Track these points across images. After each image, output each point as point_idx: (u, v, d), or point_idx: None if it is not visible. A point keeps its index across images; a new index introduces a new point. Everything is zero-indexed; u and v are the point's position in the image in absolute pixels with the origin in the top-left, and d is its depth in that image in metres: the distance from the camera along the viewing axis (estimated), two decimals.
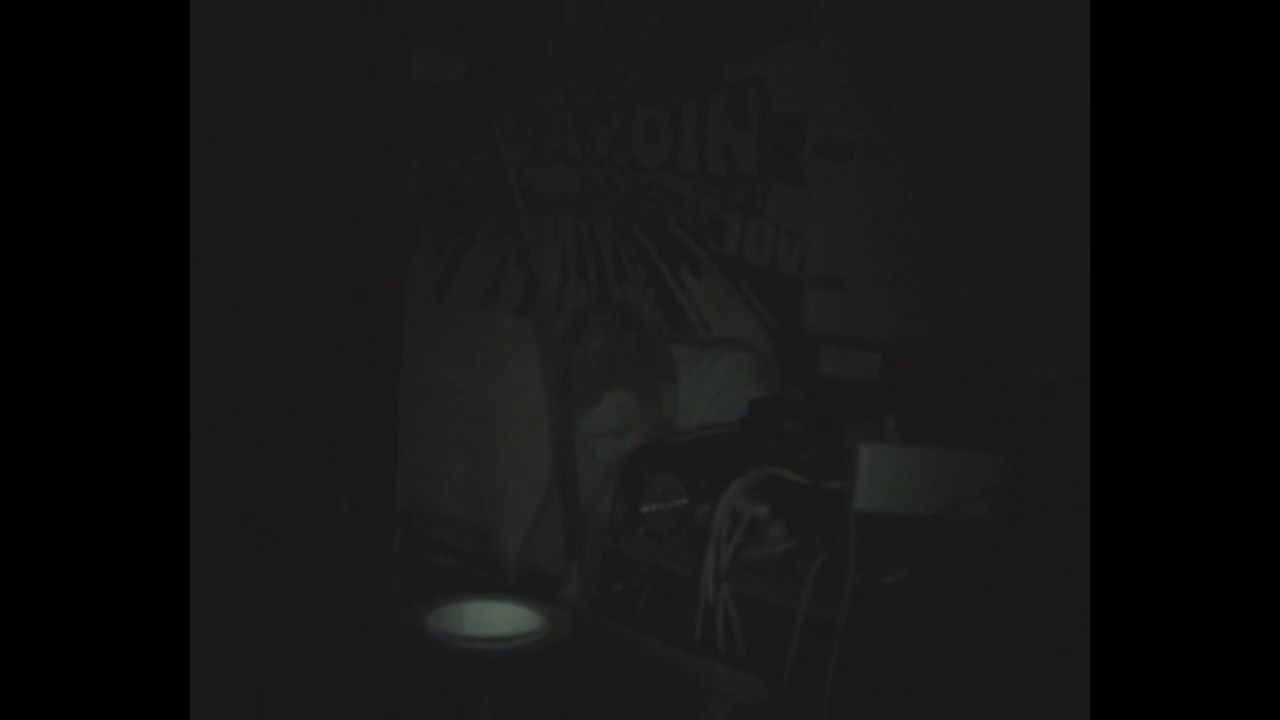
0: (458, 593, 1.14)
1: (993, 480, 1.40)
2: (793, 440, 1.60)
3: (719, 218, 2.21)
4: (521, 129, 2.45)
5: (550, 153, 2.43)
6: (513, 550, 1.79)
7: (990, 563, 1.38)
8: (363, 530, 1.06)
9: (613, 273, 2.35)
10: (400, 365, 1.08)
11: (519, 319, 2.49)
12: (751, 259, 2.18)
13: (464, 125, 2.53)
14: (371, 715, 1.06)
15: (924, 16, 1.89)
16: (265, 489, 1.00)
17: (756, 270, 2.17)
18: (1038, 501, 1.38)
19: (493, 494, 1.96)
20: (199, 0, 0.96)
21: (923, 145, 1.92)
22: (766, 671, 1.32)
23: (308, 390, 1.03)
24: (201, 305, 0.97)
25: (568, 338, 1.91)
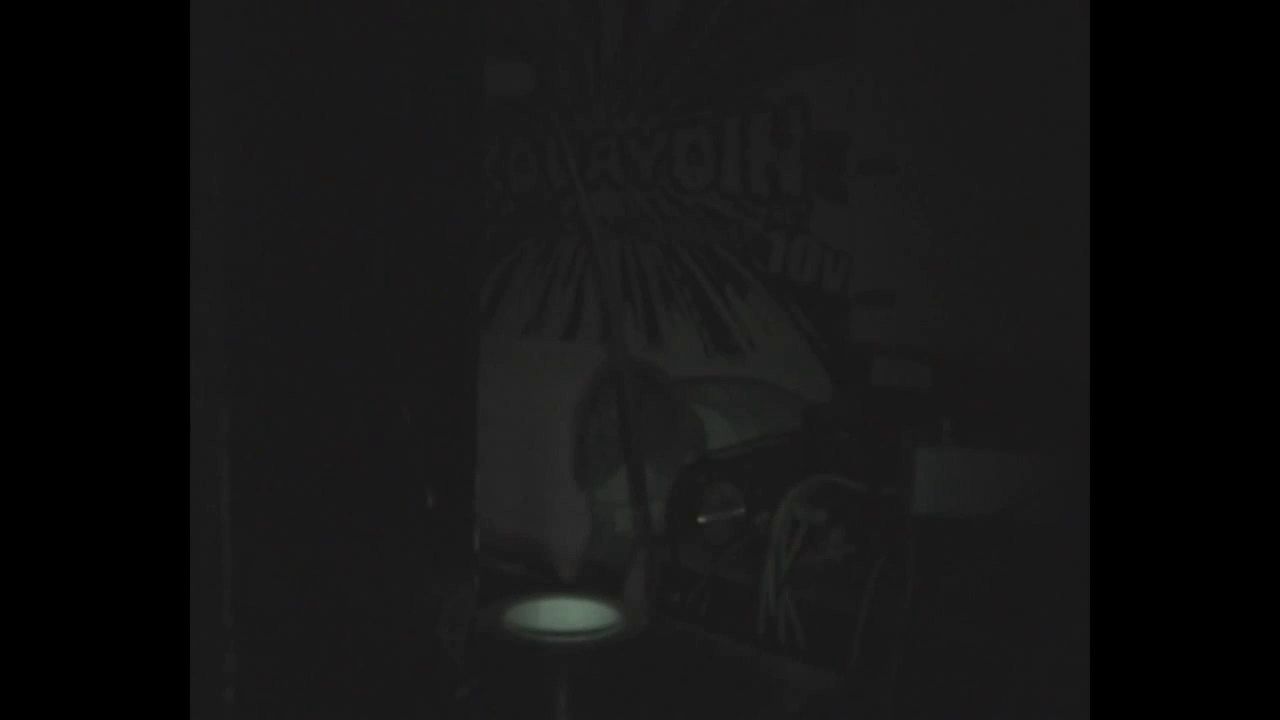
0: (531, 592, 1.16)
1: (1049, 483, 1.42)
2: (848, 447, 1.62)
3: (763, 237, 2.23)
4: (564, 154, 2.49)
5: (594, 177, 2.46)
6: (566, 557, 1.80)
7: (1046, 564, 1.39)
8: (445, 527, 1.08)
9: (659, 295, 2.38)
10: (478, 366, 1.11)
11: (564, 343, 2.52)
12: (797, 277, 2.20)
13: (509, 150, 2.57)
14: (452, 709, 1.08)
15: (965, 31, 1.92)
16: (355, 484, 1.03)
17: (802, 288, 2.19)
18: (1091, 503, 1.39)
19: (541, 511, 1.98)
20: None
21: (963, 159, 1.94)
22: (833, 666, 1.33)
23: (396, 390, 1.06)
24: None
25: (584, 407, 1.87)
